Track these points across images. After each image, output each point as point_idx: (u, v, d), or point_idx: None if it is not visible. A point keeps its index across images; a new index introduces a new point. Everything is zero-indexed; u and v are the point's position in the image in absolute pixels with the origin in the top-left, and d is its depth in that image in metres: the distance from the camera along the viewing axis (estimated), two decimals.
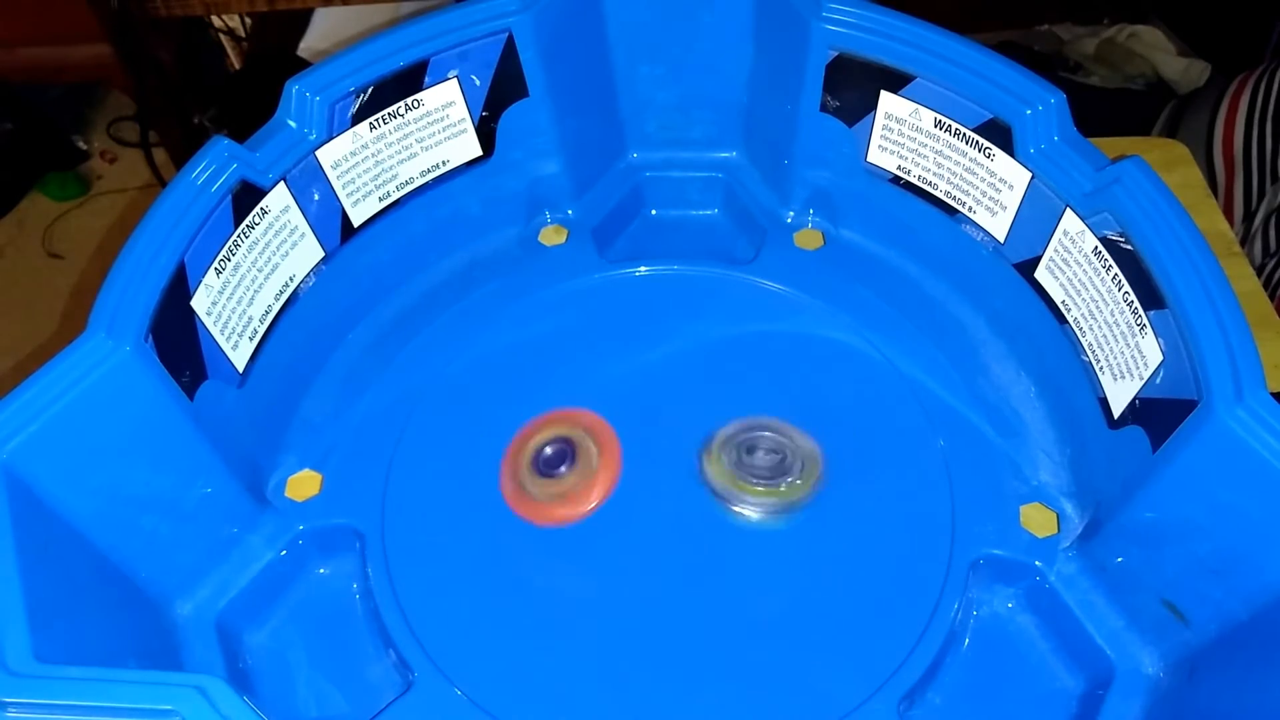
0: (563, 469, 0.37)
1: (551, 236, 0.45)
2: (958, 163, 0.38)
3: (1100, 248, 0.33)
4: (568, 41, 0.41)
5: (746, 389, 0.39)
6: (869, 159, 0.41)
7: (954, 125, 0.37)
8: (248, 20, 1.17)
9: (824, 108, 0.41)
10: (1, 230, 1.20)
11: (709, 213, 0.47)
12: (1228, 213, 0.82)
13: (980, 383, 0.39)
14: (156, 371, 0.31)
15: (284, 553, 0.35)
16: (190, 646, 0.33)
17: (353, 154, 0.39)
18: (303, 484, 0.37)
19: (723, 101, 0.45)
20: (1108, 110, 1.12)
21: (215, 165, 0.34)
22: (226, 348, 0.35)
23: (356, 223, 0.40)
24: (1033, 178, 0.36)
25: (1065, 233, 0.35)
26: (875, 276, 0.43)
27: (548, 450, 0.37)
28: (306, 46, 1.14)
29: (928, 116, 0.38)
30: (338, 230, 0.40)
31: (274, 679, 0.34)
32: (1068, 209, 0.34)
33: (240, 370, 0.36)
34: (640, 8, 0.42)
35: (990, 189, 0.37)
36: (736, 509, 0.36)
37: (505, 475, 0.37)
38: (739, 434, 0.37)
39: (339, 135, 0.38)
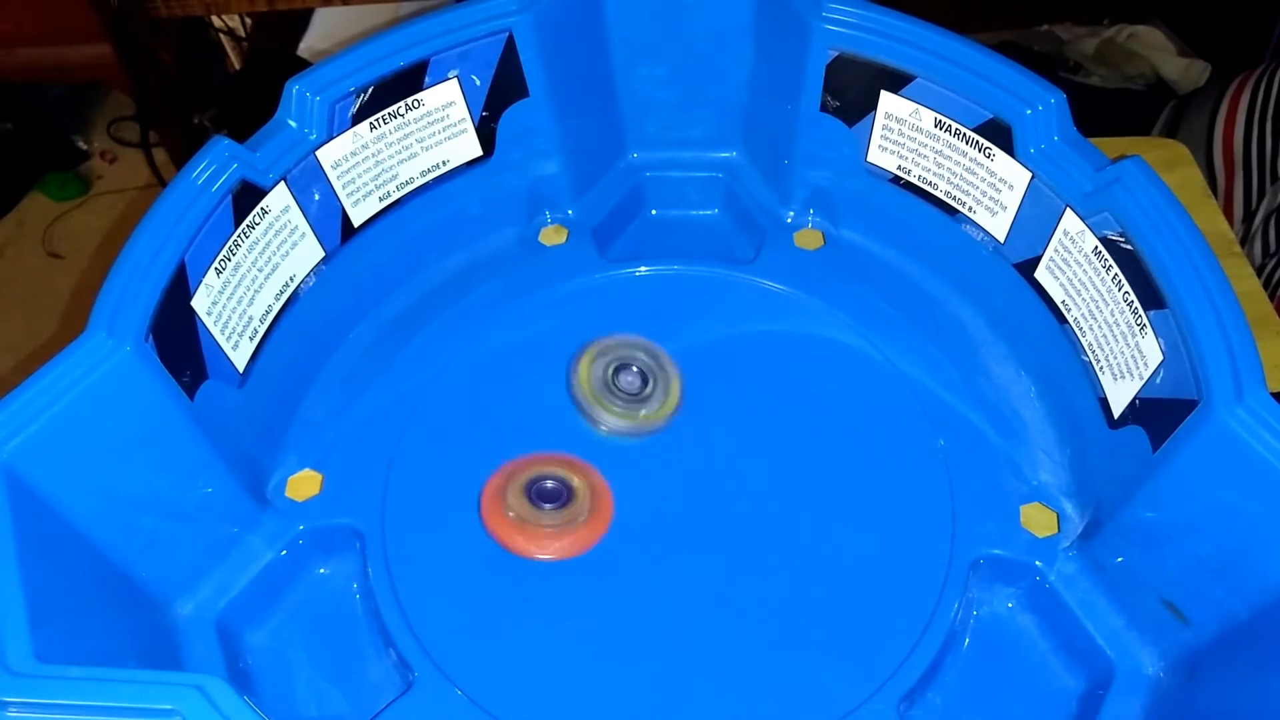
0: (550, 507, 0.36)
1: (551, 236, 0.45)
2: (958, 163, 0.38)
3: (1100, 247, 0.33)
4: (568, 41, 0.41)
5: (746, 388, 0.39)
6: (869, 159, 0.41)
7: (954, 125, 0.37)
8: (248, 20, 1.17)
9: (824, 108, 0.41)
10: (1, 230, 1.20)
11: (709, 213, 0.47)
12: (1228, 213, 0.82)
13: (980, 383, 0.39)
14: (157, 371, 0.31)
15: (284, 553, 0.35)
16: (190, 646, 0.33)
17: (353, 154, 0.39)
18: (303, 484, 0.37)
19: (723, 101, 0.45)
20: (1108, 110, 1.12)
21: (215, 165, 0.34)
22: (227, 348, 0.35)
23: (357, 223, 0.40)
24: (1033, 178, 0.36)
25: (1065, 233, 0.35)
26: (875, 276, 0.43)
27: (547, 483, 0.36)
28: (306, 46, 1.14)
29: (928, 116, 0.38)
30: (338, 230, 0.40)
31: (274, 679, 0.34)
32: (1068, 209, 0.34)
33: (240, 370, 0.36)
34: (640, 8, 0.42)
35: (990, 189, 0.37)
36: (600, 424, 0.38)
37: (489, 496, 0.36)
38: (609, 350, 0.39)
39: (339, 135, 0.38)
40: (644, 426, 0.38)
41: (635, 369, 0.38)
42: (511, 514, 0.35)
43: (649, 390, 0.38)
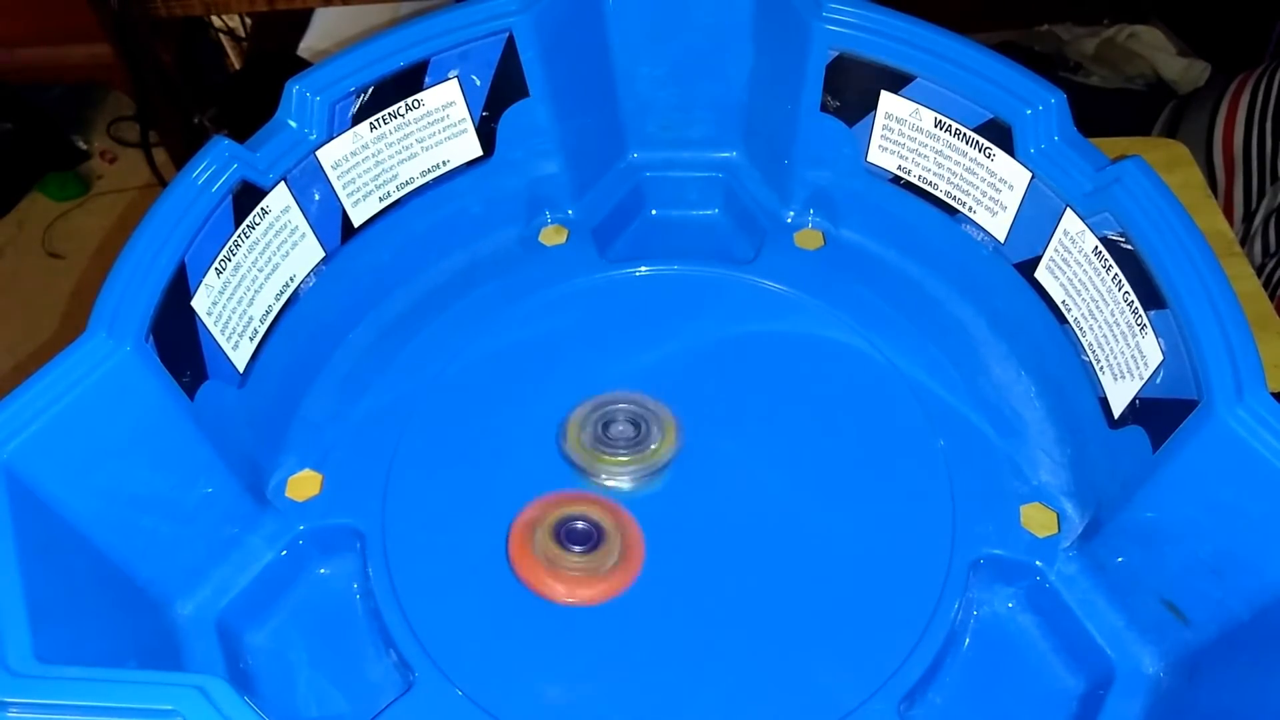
0: (580, 549, 0.35)
1: (552, 236, 0.45)
2: (958, 163, 0.38)
3: (1100, 247, 0.34)
4: (568, 41, 0.41)
5: (746, 389, 0.39)
6: (869, 159, 0.41)
7: (954, 125, 0.37)
8: (248, 20, 1.17)
9: (824, 108, 0.41)
10: (1, 230, 1.20)
11: (709, 213, 0.47)
12: (1228, 213, 0.82)
13: (980, 383, 0.39)
14: (157, 371, 0.31)
15: (284, 553, 0.35)
16: (191, 646, 0.33)
17: (353, 154, 0.39)
18: (303, 484, 0.37)
19: (723, 101, 0.45)
20: (1108, 110, 1.12)
21: (216, 165, 0.34)
22: (227, 348, 0.35)
23: (357, 223, 0.40)
24: (1033, 178, 0.36)
25: (1065, 233, 0.35)
26: (875, 276, 0.43)
27: (578, 524, 0.35)
28: (306, 46, 1.14)
29: (928, 116, 0.38)
30: (338, 230, 0.40)
31: (275, 679, 0.34)
32: (1068, 209, 0.34)
33: (240, 370, 0.36)
34: (640, 8, 0.42)
35: (990, 189, 0.37)
36: (603, 479, 0.37)
37: (517, 534, 0.36)
38: (593, 412, 0.38)
39: (339, 135, 0.38)
40: (650, 466, 0.37)
41: (623, 421, 0.38)
42: (540, 555, 0.35)
43: (642, 435, 0.37)
